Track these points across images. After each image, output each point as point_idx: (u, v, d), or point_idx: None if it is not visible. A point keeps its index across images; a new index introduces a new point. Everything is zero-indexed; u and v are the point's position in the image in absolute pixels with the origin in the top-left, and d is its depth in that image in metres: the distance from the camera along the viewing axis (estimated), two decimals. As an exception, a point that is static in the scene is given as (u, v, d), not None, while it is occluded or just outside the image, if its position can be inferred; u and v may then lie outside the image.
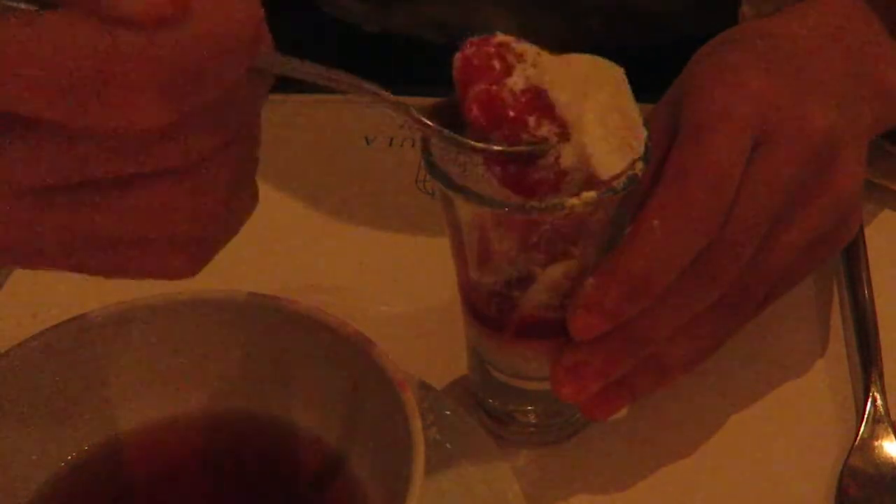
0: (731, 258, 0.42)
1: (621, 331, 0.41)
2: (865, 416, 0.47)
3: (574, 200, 0.38)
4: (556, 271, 0.41)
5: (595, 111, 0.38)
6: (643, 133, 0.40)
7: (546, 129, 0.38)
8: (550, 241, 0.40)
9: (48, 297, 0.55)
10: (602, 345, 0.42)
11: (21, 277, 0.57)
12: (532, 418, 0.48)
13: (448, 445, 0.45)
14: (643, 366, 0.43)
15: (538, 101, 0.38)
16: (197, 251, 0.32)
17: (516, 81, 0.38)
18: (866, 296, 0.53)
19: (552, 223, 0.39)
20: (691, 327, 0.43)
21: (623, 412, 0.48)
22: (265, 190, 0.67)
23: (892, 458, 0.46)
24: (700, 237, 0.41)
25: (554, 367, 0.43)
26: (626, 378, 0.43)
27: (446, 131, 0.38)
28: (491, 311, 0.43)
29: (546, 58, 0.39)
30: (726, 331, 0.45)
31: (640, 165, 0.40)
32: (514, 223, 0.40)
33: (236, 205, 0.33)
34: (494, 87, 0.38)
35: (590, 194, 0.38)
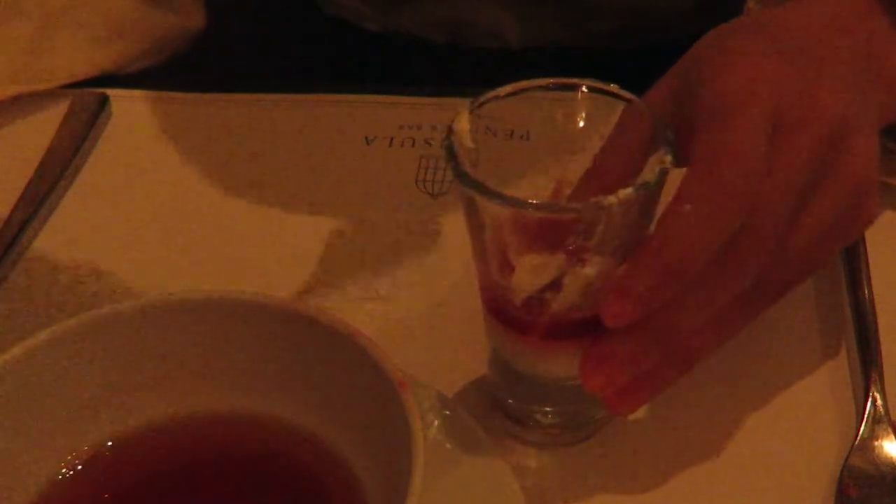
0: (757, 246, 0.42)
1: (650, 323, 0.42)
2: (865, 416, 0.47)
3: (611, 198, 0.39)
4: (589, 271, 0.41)
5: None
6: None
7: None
8: (584, 240, 0.40)
9: (48, 296, 0.55)
10: (631, 336, 0.42)
11: (21, 277, 0.57)
12: (551, 419, 0.48)
13: (448, 445, 0.45)
14: (667, 357, 0.44)
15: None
16: None
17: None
18: (866, 296, 0.53)
19: (587, 223, 0.39)
20: (716, 317, 0.43)
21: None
22: (265, 190, 0.67)
23: (892, 458, 0.46)
24: (732, 219, 0.41)
25: (584, 359, 0.43)
26: (650, 371, 0.43)
27: None
28: (519, 314, 0.43)
29: None
30: (746, 320, 0.46)
31: (668, 159, 0.40)
32: (548, 225, 0.40)
33: None
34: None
35: (626, 192, 0.39)
